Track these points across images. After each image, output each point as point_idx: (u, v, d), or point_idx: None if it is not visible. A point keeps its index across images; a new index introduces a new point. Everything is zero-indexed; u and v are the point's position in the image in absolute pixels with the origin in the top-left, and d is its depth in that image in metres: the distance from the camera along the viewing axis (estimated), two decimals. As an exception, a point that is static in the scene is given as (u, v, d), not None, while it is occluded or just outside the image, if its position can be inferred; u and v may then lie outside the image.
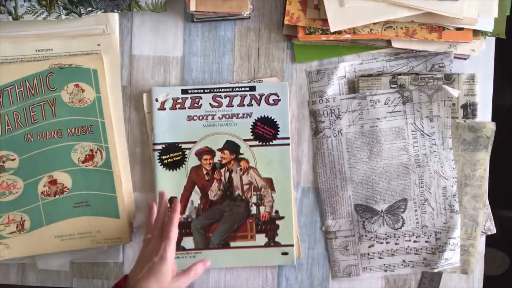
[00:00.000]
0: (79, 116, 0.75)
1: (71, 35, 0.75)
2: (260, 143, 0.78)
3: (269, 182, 0.78)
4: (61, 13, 0.73)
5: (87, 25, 0.75)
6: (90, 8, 0.73)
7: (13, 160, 0.74)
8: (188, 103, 0.77)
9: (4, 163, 0.74)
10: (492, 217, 0.79)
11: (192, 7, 0.71)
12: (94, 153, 0.75)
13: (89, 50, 0.75)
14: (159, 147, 0.77)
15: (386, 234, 0.78)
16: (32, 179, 0.75)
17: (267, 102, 0.78)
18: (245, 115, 0.78)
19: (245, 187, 0.78)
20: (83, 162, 0.75)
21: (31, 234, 0.75)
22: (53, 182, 0.75)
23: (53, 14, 0.73)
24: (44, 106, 0.74)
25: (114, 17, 0.76)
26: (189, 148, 0.77)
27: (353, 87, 0.79)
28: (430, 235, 0.78)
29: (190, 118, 0.77)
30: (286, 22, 0.75)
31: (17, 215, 0.75)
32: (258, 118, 0.78)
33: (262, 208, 0.78)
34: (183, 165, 0.77)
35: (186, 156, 0.77)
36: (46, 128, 0.75)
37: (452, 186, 0.77)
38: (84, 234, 0.76)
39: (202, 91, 0.77)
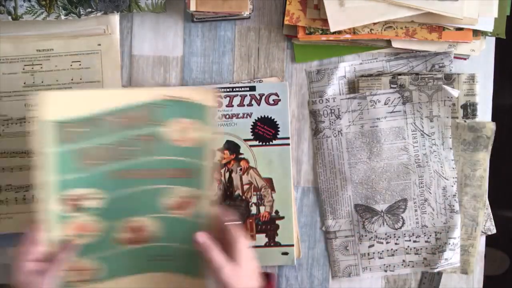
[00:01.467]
0: (180, 157, 0.62)
1: (72, 35, 0.75)
2: (260, 143, 0.78)
3: (269, 182, 0.78)
4: (61, 13, 0.73)
5: (87, 26, 0.75)
6: (89, 9, 0.73)
7: (96, 199, 0.62)
8: (188, 103, 0.76)
9: (85, 201, 0.62)
10: (492, 217, 0.79)
11: (192, 7, 0.71)
12: (189, 200, 0.63)
13: (90, 50, 0.75)
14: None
15: (386, 234, 0.78)
16: (114, 221, 0.63)
17: (267, 102, 0.78)
18: (245, 115, 0.78)
19: (245, 187, 0.78)
20: (174, 209, 0.63)
21: (103, 284, 0.63)
22: (136, 228, 0.63)
23: (52, 14, 0.73)
24: (143, 141, 0.62)
25: (115, 17, 0.76)
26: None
27: (353, 87, 0.79)
28: (430, 235, 0.78)
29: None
30: (286, 22, 0.75)
31: (90, 261, 0.63)
32: (258, 118, 0.78)
33: (262, 208, 0.78)
34: (183, 165, 0.76)
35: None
36: (141, 166, 0.62)
37: (452, 186, 0.77)
38: None
39: (202, 91, 0.76)
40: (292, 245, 0.78)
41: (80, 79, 0.75)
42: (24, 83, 0.75)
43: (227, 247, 0.58)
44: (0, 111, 0.75)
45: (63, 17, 0.73)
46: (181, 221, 0.64)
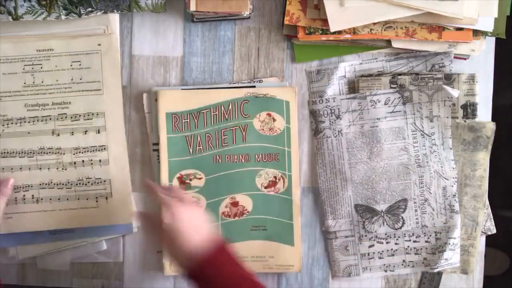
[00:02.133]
0: (267, 144, 0.77)
1: (72, 35, 0.75)
2: None
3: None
4: (61, 13, 0.72)
5: (88, 26, 0.75)
6: (90, 9, 0.73)
7: (199, 179, 0.77)
8: (189, 103, 0.78)
9: (191, 181, 0.77)
10: (492, 217, 0.79)
11: (192, 7, 0.71)
12: (277, 180, 0.77)
13: (90, 50, 0.75)
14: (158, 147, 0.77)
15: (386, 234, 0.78)
16: (215, 199, 0.77)
17: None
18: (245, 115, 0.79)
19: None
20: (265, 187, 0.77)
21: None
22: (235, 204, 0.77)
23: (53, 14, 0.73)
24: (235, 131, 0.76)
25: (115, 17, 0.76)
26: (190, 148, 0.79)
27: (353, 87, 0.79)
28: (430, 235, 0.78)
29: (190, 118, 0.78)
30: (286, 22, 0.75)
31: None
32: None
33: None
34: (184, 165, 0.78)
35: (186, 156, 0.78)
36: (234, 152, 0.77)
37: (452, 186, 0.77)
38: (257, 258, 0.77)
39: (202, 91, 0.78)
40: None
41: (80, 79, 0.75)
42: (24, 83, 0.75)
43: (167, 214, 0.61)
44: (0, 111, 0.75)
45: (63, 17, 0.73)
46: (272, 197, 0.77)
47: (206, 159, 0.77)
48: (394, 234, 0.78)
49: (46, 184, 0.75)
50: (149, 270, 0.78)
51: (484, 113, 0.79)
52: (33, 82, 0.75)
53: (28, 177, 0.75)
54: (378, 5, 0.72)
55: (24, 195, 0.75)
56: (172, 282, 0.79)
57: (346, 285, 0.80)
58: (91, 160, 0.75)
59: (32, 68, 0.75)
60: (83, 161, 0.75)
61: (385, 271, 0.79)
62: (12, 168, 0.75)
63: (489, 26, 0.75)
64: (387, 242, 0.78)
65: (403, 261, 0.78)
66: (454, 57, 0.78)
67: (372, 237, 0.78)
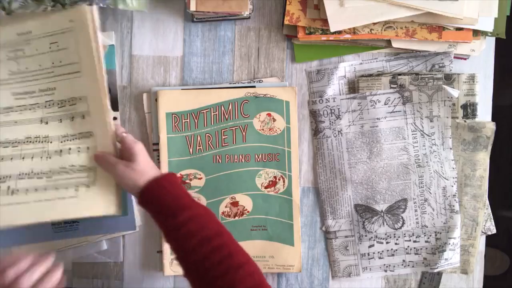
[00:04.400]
0: (267, 144, 0.77)
1: (47, 13, 0.68)
2: None
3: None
4: (48, 4, 0.68)
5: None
6: None
7: (199, 179, 0.77)
8: (188, 103, 0.78)
9: (191, 181, 0.77)
10: (492, 217, 0.79)
11: (192, 7, 0.71)
12: (277, 180, 0.77)
13: (64, 28, 0.68)
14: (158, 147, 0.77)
15: (386, 234, 0.78)
16: (215, 199, 0.77)
17: None
18: (245, 115, 0.79)
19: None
20: (265, 187, 0.77)
21: None
22: (235, 203, 0.77)
23: (41, 6, 0.70)
24: (235, 131, 0.77)
25: None
26: (190, 148, 0.79)
27: (353, 87, 0.79)
28: (430, 235, 0.78)
29: (190, 118, 0.78)
30: (286, 22, 0.75)
31: None
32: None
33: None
34: (184, 165, 0.79)
35: (186, 156, 0.78)
36: (234, 152, 0.77)
37: (452, 186, 0.77)
38: (257, 258, 0.77)
39: (202, 91, 0.79)
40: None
41: (60, 62, 0.69)
42: (9, 71, 0.70)
43: (127, 155, 0.66)
44: None
45: (49, 8, 0.68)
46: (272, 197, 0.78)
47: (206, 159, 0.77)
48: (394, 234, 0.78)
49: (25, 174, 0.70)
50: (149, 270, 0.78)
51: (484, 113, 0.79)
52: (18, 69, 0.70)
53: (8, 167, 0.70)
54: (378, 5, 0.72)
55: (8, 186, 0.69)
56: (172, 282, 0.79)
57: (346, 285, 0.80)
58: (79, 147, 0.70)
59: (15, 55, 0.69)
60: (69, 148, 0.70)
61: (385, 271, 0.79)
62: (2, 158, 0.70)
63: (489, 26, 0.75)
64: (387, 242, 0.78)
65: (403, 261, 0.78)
66: (454, 57, 0.78)
67: (372, 237, 0.78)
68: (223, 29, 0.79)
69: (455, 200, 0.77)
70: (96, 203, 0.69)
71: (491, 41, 0.79)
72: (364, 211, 0.78)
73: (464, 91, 0.77)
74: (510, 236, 1.38)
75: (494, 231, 0.80)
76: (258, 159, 0.77)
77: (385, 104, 0.77)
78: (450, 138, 0.77)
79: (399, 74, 0.78)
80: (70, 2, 0.69)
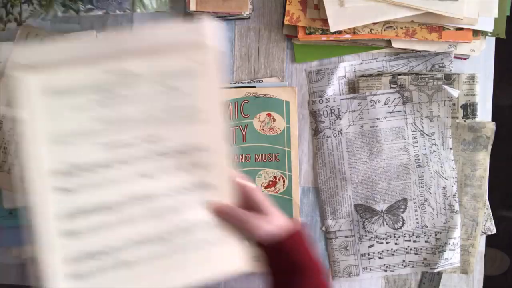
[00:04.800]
0: (267, 144, 0.78)
1: (155, 49, 0.55)
2: None
3: (270, 182, 0.80)
4: (58, 10, 0.72)
5: (177, 38, 0.56)
6: (90, 6, 0.73)
7: None
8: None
9: None
10: (492, 217, 0.79)
11: (192, 7, 0.71)
12: (277, 180, 0.78)
13: (181, 68, 0.55)
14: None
15: (386, 234, 0.78)
16: None
17: None
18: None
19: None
20: (265, 187, 0.78)
21: None
22: None
23: (51, 13, 0.72)
24: (235, 131, 0.77)
25: (210, 24, 0.54)
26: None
27: (353, 87, 0.79)
28: (430, 235, 0.78)
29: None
30: (286, 22, 0.75)
31: None
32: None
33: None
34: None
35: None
36: (234, 152, 0.77)
37: (452, 186, 0.77)
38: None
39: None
40: None
41: (172, 106, 0.55)
42: (98, 118, 0.55)
43: (251, 206, 0.58)
44: (69, 158, 0.55)
45: (60, 13, 0.71)
46: (272, 197, 0.71)
47: None
48: (394, 234, 0.78)
49: (136, 242, 0.56)
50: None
51: (484, 113, 0.79)
52: (112, 116, 0.55)
53: (112, 236, 0.56)
54: (378, 5, 0.72)
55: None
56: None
57: (346, 285, 0.80)
58: (197, 202, 0.58)
59: (109, 97, 0.55)
60: (185, 204, 0.57)
61: (385, 271, 0.79)
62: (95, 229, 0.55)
63: (489, 26, 0.75)
64: (387, 242, 0.78)
65: (403, 261, 0.78)
66: (454, 57, 0.78)
67: (372, 237, 0.78)
68: (223, 29, 0.79)
69: (455, 200, 0.77)
70: (227, 262, 0.59)
71: (491, 41, 0.79)
72: (364, 211, 0.78)
73: (464, 91, 0.77)
74: (510, 236, 1.38)
75: (494, 231, 0.80)
76: (258, 159, 0.77)
77: (385, 104, 0.77)
78: (450, 138, 0.77)
79: (399, 74, 0.78)
80: (85, 9, 0.71)
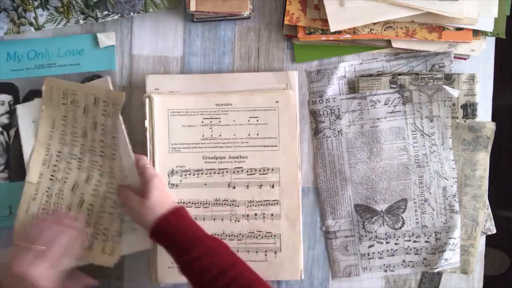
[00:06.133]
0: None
1: (250, 90, 0.76)
2: None
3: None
4: (79, 18, 0.73)
5: (267, 82, 0.76)
6: (106, 12, 0.73)
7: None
8: (188, 103, 0.79)
9: None
10: (492, 217, 0.79)
11: (192, 7, 0.71)
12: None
13: (268, 106, 0.75)
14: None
15: (386, 234, 0.78)
16: None
17: None
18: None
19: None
20: None
21: None
22: None
23: (72, 20, 0.74)
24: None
25: (294, 74, 0.76)
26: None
27: (353, 87, 0.79)
28: (430, 235, 0.78)
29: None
30: (286, 22, 0.75)
31: None
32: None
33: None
34: (184, 165, 0.79)
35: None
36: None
37: (452, 186, 0.77)
38: None
39: (202, 91, 0.79)
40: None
41: (257, 134, 0.76)
42: (203, 136, 0.76)
43: (143, 189, 0.67)
44: (179, 162, 0.76)
45: (81, 21, 0.73)
46: None
47: None
48: (394, 234, 0.78)
49: (218, 235, 0.76)
50: (149, 270, 0.78)
51: (484, 113, 0.79)
52: (211, 135, 0.76)
53: (202, 227, 0.70)
54: (378, 5, 0.72)
55: None
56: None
57: (346, 285, 0.80)
58: (264, 213, 0.76)
59: (211, 122, 0.76)
60: (255, 214, 0.76)
61: (385, 271, 0.79)
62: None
63: (489, 26, 0.75)
64: (387, 242, 0.78)
65: (403, 261, 0.78)
66: (454, 57, 0.78)
67: (372, 237, 0.78)
68: (223, 29, 0.79)
69: (455, 200, 0.77)
70: (284, 269, 0.76)
71: (491, 41, 0.79)
72: (364, 211, 0.78)
73: (464, 91, 0.77)
74: (510, 236, 1.38)
75: (494, 231, 0.80)
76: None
77: (385, 104, 0.77)
78: (450, 138, 0.77)
79: (399, 74, 0.78)
80: (103, 16, 0.72)
